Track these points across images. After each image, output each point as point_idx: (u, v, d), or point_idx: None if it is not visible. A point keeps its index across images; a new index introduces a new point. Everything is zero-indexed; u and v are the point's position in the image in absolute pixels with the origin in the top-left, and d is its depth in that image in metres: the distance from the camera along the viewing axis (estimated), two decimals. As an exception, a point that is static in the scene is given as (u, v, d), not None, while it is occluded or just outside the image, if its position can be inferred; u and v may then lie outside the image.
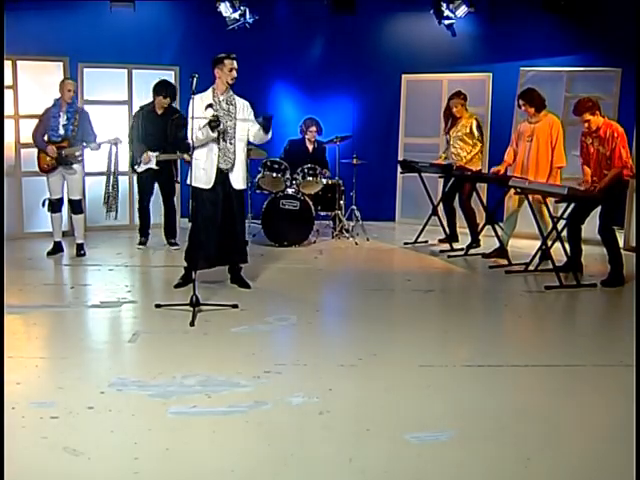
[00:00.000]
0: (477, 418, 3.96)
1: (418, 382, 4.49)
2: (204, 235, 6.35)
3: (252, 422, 3.85)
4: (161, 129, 8.26)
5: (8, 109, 8.85)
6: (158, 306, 5.90)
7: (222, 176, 6.35)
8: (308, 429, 3.81)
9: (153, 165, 8.30)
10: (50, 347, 5.16)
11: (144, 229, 8.68)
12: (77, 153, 7.89)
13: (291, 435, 3.72)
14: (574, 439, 3.76)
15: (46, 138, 7.80)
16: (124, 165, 8.60)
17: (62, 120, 7.77)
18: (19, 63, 8.94)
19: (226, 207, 6.44)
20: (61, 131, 7.77)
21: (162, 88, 8.26)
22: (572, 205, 7.06)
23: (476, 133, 8.60)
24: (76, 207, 8.09)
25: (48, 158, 7.79)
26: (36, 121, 7.98)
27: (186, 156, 7.27)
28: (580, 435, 3.82)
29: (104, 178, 8.08)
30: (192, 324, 5.52)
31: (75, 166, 7.90)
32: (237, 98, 6.48)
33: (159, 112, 8.30)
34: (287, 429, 3.79)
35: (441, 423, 3.87)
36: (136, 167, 8.32)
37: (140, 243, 8.63)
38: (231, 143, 6.36)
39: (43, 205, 8.06)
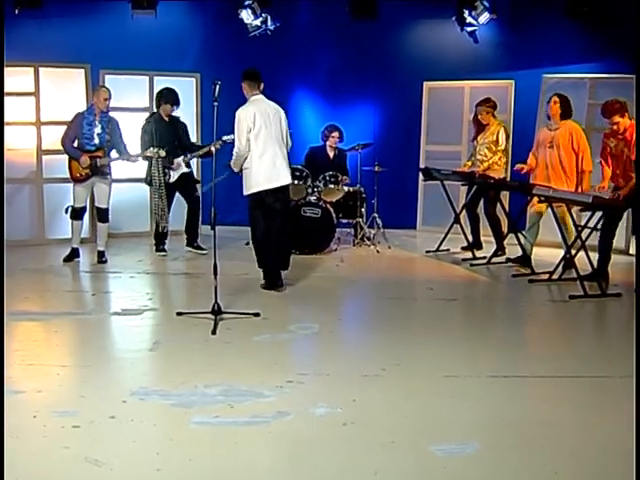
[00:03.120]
0: (503, 430, 3.89)
1: (443, 393, 4.43)
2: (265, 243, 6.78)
3: (275, 433, 3.80)
4: (173, 134, 8.33)
5: (30, 116, 8.91)
6: (179, 314, 5.88)
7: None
8: (332, 440, 3.74)
9: (184, 169, 8.34)
10: (71, 355, 5.14)
11: (162, 237, 8.61)
12: (110, 163, 7.89)
13: (314, 446, 3.66)
14: (601, 452, 3.67)
15: (76, 144, 7.76)
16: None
17: (97, 129, 7.74)
18: (41, 70, 8.99)
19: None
20: (96, 140, 7.75)
21: (169, 96, 8.32)
22: (599, 215, 6.99)
23: (501, 142, 8.53)
24: (103, 216, 8.06)
25: (82, 167, 7.75)
26: (64, 127, 7.94)
27: (215, 147, 6.94)
28: (607, 449, 3.72)
29: (145, 188, 8.20)
30: (214, 332, 5.48)
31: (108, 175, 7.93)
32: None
33: (166, 119, 8.36)
34: (310, 440, 3.73)
35: (467, 435, 3.80)
36: (168, 179, 8.25)
37: (161, 251, 8.58)
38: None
39: (66, 212, 8.04)
